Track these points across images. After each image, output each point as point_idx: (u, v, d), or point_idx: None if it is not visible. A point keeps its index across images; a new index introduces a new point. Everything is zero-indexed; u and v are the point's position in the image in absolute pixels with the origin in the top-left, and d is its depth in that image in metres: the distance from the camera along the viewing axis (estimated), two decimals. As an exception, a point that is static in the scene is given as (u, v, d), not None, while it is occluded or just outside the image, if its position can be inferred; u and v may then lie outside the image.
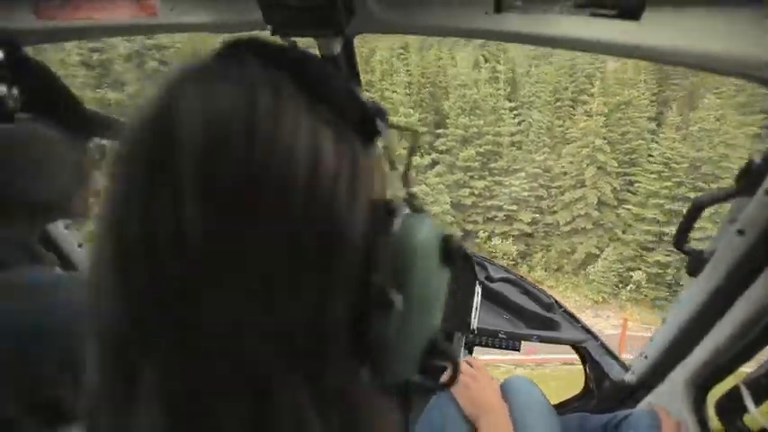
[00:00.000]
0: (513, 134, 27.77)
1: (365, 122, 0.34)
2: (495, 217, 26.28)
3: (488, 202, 26.44)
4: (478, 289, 1.54)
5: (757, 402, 0.88)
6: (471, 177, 26.30)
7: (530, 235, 26.85)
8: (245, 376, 0.28)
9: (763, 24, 0.67)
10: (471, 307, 1.48)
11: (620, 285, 25.16)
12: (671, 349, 1.11)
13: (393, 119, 0.36)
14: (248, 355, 0.28)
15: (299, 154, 0.28)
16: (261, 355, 0.28)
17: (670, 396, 1.11)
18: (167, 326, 0.28)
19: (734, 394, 0.93)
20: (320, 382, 0.30)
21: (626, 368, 1.37)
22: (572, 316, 1.61)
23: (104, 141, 0.86)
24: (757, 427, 0.91)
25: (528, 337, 1.53)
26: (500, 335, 1.53)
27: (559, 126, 28.40)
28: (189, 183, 0.27)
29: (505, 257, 24.69)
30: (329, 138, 0.30)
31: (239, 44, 0.34)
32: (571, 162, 27.08)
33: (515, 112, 29.10)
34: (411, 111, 26.69)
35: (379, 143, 0.35)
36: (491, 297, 1.64)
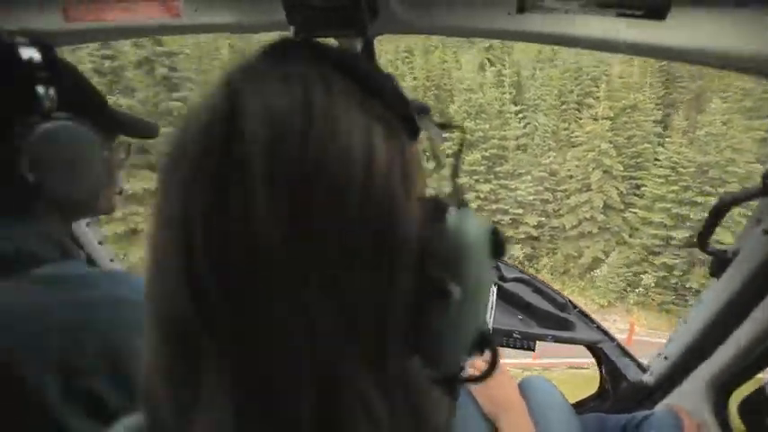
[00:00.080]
0: (518, 138, 27.73)
1: (410, 119, 0.35)
2: (501, 220, 26.19)
3: (494, 206, 26.38)
4: (493, 289, 1.54)
5: (783, 404, 0.88)
6: (477, 181, 26.25)
7: (536, 238, 26.75)
8: (313, 368, 0.28)
9: None
10: (488, 306, 1.48)
11: (628, 289, 24.97)
12: (692, 350, 1.10)
13: None
14: (315, 348, 0.28)
15: (354, 151, 0.29)
16: (327, 348, 0.28)
17: (690, 397, 1.10)
18: (234, 320, 0.28)
19: (758, 396, 0.93)
20: (383, 371, 0.30)
21: (643, 369, 1.36)
22: (587, 316, 1.60)
23: (130, 141, 0.88)
24: (783, 429, 0.90)
25: (543, 337, 1.52)
26: (514, 335, 1.53)
27: (565, 129, 28.32)
28: (259, 181, 0.27)
29: (511, 261, 24.58)
30: (381, 134, 0.31)
31: (287, 43, 0.34)
32: (577, 165, 26.98)
33: (521, 115, 29.07)
34: (416, 114, 26.63)
35: (424, 139, 0.36)
36: (505, 297, 1.63)
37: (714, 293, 1.00)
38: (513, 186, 26.30)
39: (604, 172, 26.97)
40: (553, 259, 26.33)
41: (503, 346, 1.56)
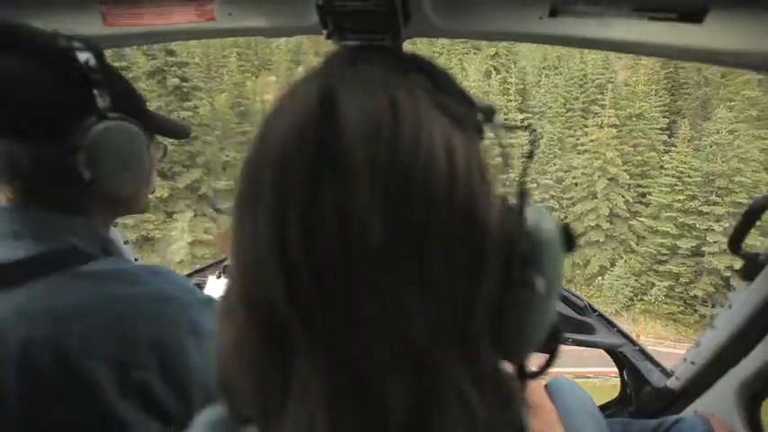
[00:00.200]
0: (523, 145, 27.78)
1: (478, 119, 0.35)
2: (506, 228, 26.04)
3: (499, 214, 26.29)
4: None
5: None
6: (481, 188, 26.22)
7: (541, 246, 26.61)
8: (406, 359, 0.29)
9: None
10: None
11: (634, 298, 24.78)
12: (720, 355, 1.09)
13: None
14: (408, 339, 0.29)
15: (437, 150, 0.30)
16: (420, 339, 0.29)
17: (719, 403, 1.09)
18: (329, 312, 0.29)
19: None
20: (474, 363, 0.31)
21: (668, 374, 1.35)
22: (607, 320, 1.58)
23: (165, 142, 0.89)
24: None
25: (563, 341, 1.51)
26: None
27: (570, 136, 28.34)
28: (356, 178, 0.28)
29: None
30: (458, 134, 0.32)
31: (364, 47, 0.36)
32: (583, 173, 26.94)
33: (526, 122, 29.15)
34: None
35: (491, 140, 0.37)
36: None
37: (745, 297, 0.99)
38: (518, 194, 26.19)
39: (610, 180, 26.93)
40: (559, 267, 26.14)
41: None
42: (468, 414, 0.30)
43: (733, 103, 27.07)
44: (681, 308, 24.92)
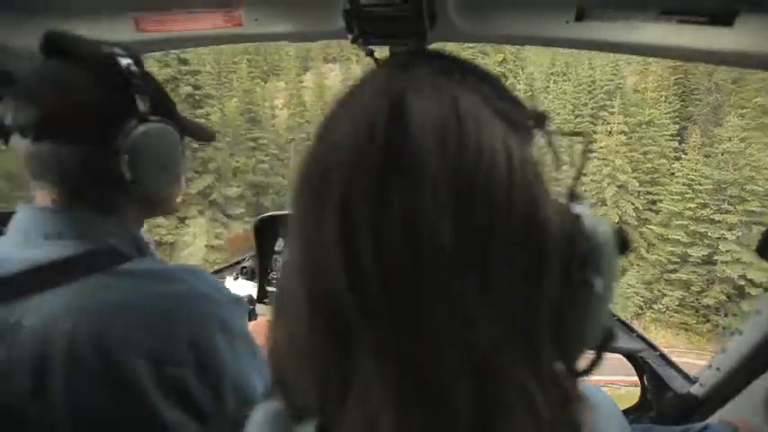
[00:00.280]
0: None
1: (530, 124, 0.36)
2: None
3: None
4: None
5: None
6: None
7: (549, 253, 26.45)
8: (471, 360, 0.29)
9: None
10: None
11: (644, 307, 24.44)
12: (748, 362, 1.07)
13: None
14: (474, 342, 0.29)
15: (498, 154, 0.30)
16: (485, 341, 0.29)
17: (746, 411, 1.07)
18: (396, 315, 0.29)
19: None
20: (537, 364, 0.32)
21: (691, 380, 1.33)
22: (626, 325, 1.57)
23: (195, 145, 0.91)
24: None
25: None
26: None
27: (579, 143, 28.18)
28: (425, 184, 0.29)
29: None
30: (516, 140, 0.32)
31: (421, 53, 0.37)
32: (591, 180, 26.76)
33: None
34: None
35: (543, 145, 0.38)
36: None
37: (774, 303, 0.98)
38: (526, 201, 26.08)
39: (619, 187, 26.72)
40: (568, 275, 25.91)
41: None
42: (533, 415, 0.31)
43: (745, 110, 26.78)
44: (692, 317, 24.52)
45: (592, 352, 0.38)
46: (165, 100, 0.76)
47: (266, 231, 1.93)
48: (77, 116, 0.65)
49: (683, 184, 25.49)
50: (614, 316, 1.60)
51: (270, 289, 1.90)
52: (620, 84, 30.86)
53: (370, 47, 1.05)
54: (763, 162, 24.07)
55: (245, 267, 1.95)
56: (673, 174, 26.87)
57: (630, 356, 1.50)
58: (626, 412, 1.57)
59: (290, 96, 43.43)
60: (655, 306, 24.05)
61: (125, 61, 0.68)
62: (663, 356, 1.45)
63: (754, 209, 23.70)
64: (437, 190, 0.29)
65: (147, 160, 0.69)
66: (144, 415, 0.62)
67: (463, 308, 0.29)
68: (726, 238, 24.15)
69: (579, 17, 0.88)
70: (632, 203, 26.65)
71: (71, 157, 0.65)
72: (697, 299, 24.52)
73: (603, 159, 26.97)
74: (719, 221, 24.35)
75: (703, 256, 24.66)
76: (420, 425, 0.30)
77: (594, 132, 28.38)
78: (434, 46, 1.12)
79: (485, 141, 0.30)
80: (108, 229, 0.70)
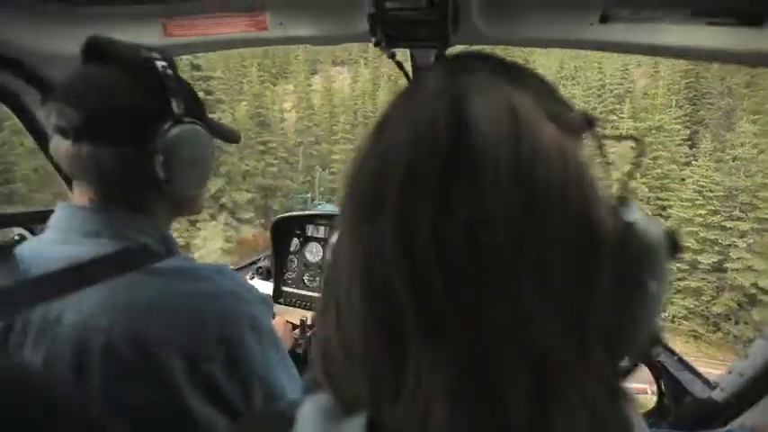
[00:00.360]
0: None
1: (582, 126, 0.36)
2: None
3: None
4: None
5: None
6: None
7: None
8: (528, 359, 0.30)
9: None
10: None
11: (653, 314, 24.12)
12: (772, 367, 1.06)
13: None
14: (531, 341, 0.30)
15: (551, 152, 0.31)
16: (541, 339, 0.30)
17: (769, 417, 1.06)
18: (455, 316, 0.30)
19: None
20: (589, 360, 0.32)
21: (711, 385, 1.32)
22: None
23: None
24: None
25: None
26: None
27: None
28: (487, 185, 0.29)
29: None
30: (568, 141, 0.33)
31: (472, 55, 0.37)
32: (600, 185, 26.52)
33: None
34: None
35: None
36: None
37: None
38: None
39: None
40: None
41: None
42: (589, 410, 0.31)
43: (758, 116, 26.43)
44: (702, 325, 24.16)
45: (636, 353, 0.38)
46: (196, 102, 0.77)
47: (282, 232, 1.94)
48: (118, 119, 0.67)
49: (694, 191, 25.20)
50: None
51: (285, 289, 1.92)
52: (629, 87, 30.64)
53: (392, 50, 1.07)
54: (775, 168, 23.75)
55: (260, 267, 1.97)
56: (683, 180, 26.58)
57: (648, 361, 1.49)
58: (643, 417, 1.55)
59: (299, 99, 43.68)
60: (664, 313, 23.72)
61: (161, 64, 0.70)
62: (681, 361, 1.43)
63: (765, 216, 23.33)
64: (497, 189, 0.29)
65: (181, 161, 0.70)
66: (177, 410, 0.63)
67: (521, 306, 0.29)
68: (737, 246, 23.80)
69: (604, 20, 0.89)
70: (642, 209, 26.33)
71: (110, 158, 0.67)
72: (707, 307, 24.16)
73: (612, 164, 26.70)
74: (730, 228, 24.00)
75: (713, 263, 24.31)
76: (473, 420, 0.30)
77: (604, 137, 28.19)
78: (455, 49, 1.13)
79: (541, 143, 0.31)
80: (141, 227, 0.71)
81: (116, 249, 0.67)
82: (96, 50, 0.70)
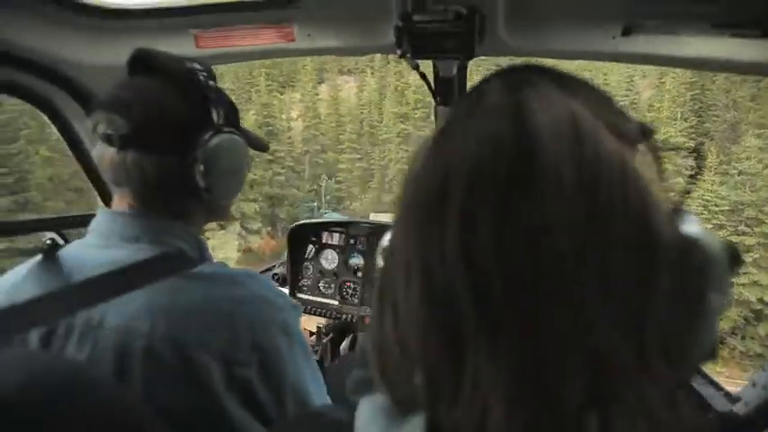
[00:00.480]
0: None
1: (639, 137, 0.36)
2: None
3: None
4: None
5: None
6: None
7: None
8: (589, 365, 0.30)
9: None
10: None
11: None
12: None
13: None
14: (594, 347, 0.30)
15: (613, 162, 0.31)
16: (603, 345, 0.30)
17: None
18: (515, 321, 0.30)
19: None
20: (648, 367, 0.32)
21: (732, 399, 1.30)
22: None
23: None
24: None
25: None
26: None
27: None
28: (549, 193, 0.30)
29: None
30: (627, 151, 0.33)
31: (525, 67, 0.38)
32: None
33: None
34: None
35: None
36: None
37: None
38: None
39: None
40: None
41: None
42: (648, 415, 0.31)
43: (762, 130, 26.33)
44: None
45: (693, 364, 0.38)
46: (233, 111, 0.79)
47: (298, 239, 1.96)
48: (164, 129, 0.69)
49: (699, 205, 25.01)
50: None
51: (301, 296, 1.93)
52: (635, 99, 30.62)
53: (417, 60, 1.09)
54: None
55: (276, 274, 1.98)
56: (688, 193, 26.40)
57: None
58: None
59: (306, 108, 43.95)
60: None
61: (203, 75, 0.73)
62: (702, 374, 1.42)
63: (775, 230, 23.12)
64: (560, 198, 0.29)
65: (221, 170, 0.72)
66: (215, 414, 0.64)
67: (585, 313, 0.30)
68: (743, 261, 23.43)
69: (626, 32, 0.91)
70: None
71: (153, 166, 0.69)
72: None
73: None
74: (736, 243, 23.59)
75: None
76: (530, 423, 0.30)
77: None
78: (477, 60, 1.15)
79: (601, 153, 0.31)
80: (178, 233, 0.73)
81: (155, 254, 0.68)
82: (142, 62, 0.72)
